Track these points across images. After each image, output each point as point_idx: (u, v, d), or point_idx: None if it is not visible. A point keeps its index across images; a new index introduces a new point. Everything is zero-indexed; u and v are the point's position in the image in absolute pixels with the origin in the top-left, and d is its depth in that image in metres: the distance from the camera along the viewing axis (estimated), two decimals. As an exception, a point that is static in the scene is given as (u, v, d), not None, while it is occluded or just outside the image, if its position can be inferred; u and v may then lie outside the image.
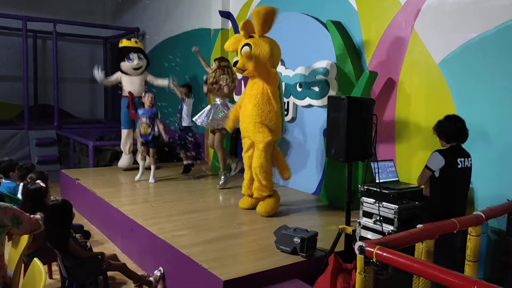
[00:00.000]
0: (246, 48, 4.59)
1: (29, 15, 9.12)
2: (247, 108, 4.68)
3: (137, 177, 6.25)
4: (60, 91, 9.48)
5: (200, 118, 5.95)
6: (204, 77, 6.30)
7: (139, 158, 6.48)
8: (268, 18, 4.53)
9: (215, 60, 6.00)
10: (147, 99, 6.13)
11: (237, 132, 6.15)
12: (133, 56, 7.07)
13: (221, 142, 5.97)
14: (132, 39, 7.55)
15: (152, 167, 6.18)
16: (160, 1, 9.37)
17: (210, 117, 5.82)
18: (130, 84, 7.06)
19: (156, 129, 6.06)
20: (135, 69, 7.06)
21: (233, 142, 6.84)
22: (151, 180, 6.14)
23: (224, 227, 4.32)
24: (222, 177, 5.96)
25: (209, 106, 6.03)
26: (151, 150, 6.16)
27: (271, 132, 4.63)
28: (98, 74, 6.85)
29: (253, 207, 4.91)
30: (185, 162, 6.68)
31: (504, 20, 3.77)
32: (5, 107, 10.21)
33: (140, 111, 6.16)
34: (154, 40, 9.63)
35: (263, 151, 4.62)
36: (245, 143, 4.85)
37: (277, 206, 4.80)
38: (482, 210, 2.93)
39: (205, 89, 6.18)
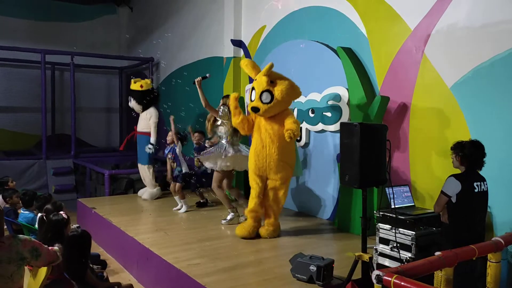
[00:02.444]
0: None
1: (47, 48, 9.45)
2: (269, 148, 4.68)
3: (175, 208, 6.26)
4: (77, 120, 9.69)
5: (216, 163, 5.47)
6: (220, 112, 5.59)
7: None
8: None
9: (224, 97, 5.65)
10: (168, 136, 6.28)
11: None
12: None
13: (220, 181, 5.55)
14: (133, 79, 7.49)
15: (182, 201, 6.19)
16: (174, 32, 9.61)
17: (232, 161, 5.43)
18: (140, 119, 7.25)
19: (182, 165, 6.16)
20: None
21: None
22: (182, 210, 6.16)
23: (239, 255, 4.31)
24: (231, 214, 5.52)
25: (220, 147, 5.48)
26: (177, 185, 6.17)
27: (292, 169, 4.88)
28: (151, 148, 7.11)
29: (250, 236, 4.83)
30: (202, 200, 6.57)
31: (515, 44, 3.80)
32: (23, 137, 10.46)
33: (165, 151, 6.38)
34: (168, 69, 9.85)
35: (283, 188, 4.81)
36: (256, 182, 4.78)
37: (277, 233, 4.96)
38: (501, 236, 2.88)
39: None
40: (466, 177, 3.34)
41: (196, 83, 5.55)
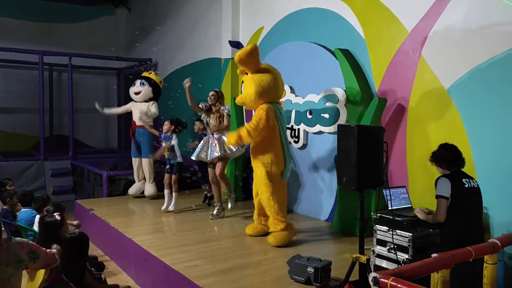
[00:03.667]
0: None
1: (45, 49, 9.44)
2: (251, 144, 4.83)
3: (163, 207, 6.24)
4: (75, 121, 9.68)
5: (207, 152, 5.66)
6: (201, 104, 5.88)
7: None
8: (250, 59, 4.55)
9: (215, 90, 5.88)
10: (165, 126, 6.24)
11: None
12: (137, 81, 7.28)
13: (224, 171, 5.77)
14: (150, 71, 7.76)
15: (174, 194, 6.18)
16: (172, 32, 9.62)
17: (222, 151, 5.56)
18: (136, 111, 7.20)
19: (177, 155, 6.11)
20: (135, 93, 7.22)
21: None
22: (171, 207, 6.15)
23: (238, 257, 4.31)
24: (217, 208, 5.77)
25: (210, 140, 5.73)
26: (172, 177, 6.15)
27: (269, 164, 4.65)
28: (100, 109, 7.25)
29: (259, 234, 4.91)
30: (209, 194, 6.60)
31: (511, 46, 3.81)
32: (21, 138, 10.44)
33: (162, 136, 6.30)
34: (167, 70, 9.85)
35: (264, 183, 4.65)
36: (254, 171, 4.93)
37: (290, 239, 4.72)
38: (497, 238, 2.90)
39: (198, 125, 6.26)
40: (454, 175, 3.36)
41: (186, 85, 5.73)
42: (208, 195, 6.64)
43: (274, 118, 4.65)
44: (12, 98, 10.29)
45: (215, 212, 5.78)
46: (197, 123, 6.56)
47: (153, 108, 7.11)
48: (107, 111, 7.40)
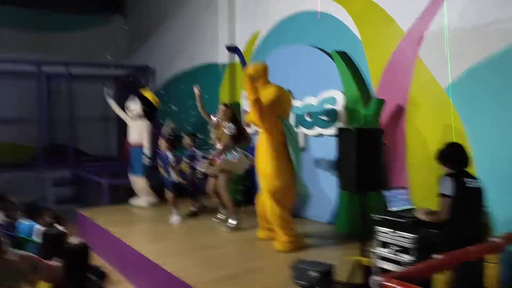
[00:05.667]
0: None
1: (43, 58, 9.45)
2: (261, 161, 4.77)
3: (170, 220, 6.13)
4: (74, 130, 9.66)
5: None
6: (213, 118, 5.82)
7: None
8: (260, 75, 4.68)
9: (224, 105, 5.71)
10: (162, 143, 6.14)
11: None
12: (133, 97, 7.27)
13: (226, 185, 5.58)
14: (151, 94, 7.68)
15: (174, 211, 6.05)
16: (169, 38, 9.63)
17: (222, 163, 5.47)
18: (130, 128, 7.25)
19: (172, 173, 6.05)
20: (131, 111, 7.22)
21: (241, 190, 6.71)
22: (174, 220, 6.02)
23: (241, 262, 4.31)
24: (233, 217, 5.54)
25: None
26: (168, 194, 6.10)
27: (276, 181, 4.63)
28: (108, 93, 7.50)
29: (270, 238, 4.88)
30: (192, 208, 6.39)
31: (507, 43, 3.82)
32: (21, 149, 10.41)
33: (160, 153, 6.27)
34: (164, 76, 9.86)
35: (269, 199, 4.64)
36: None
37: (296, 247, 4.63)
38: (498, 237, 2.89)
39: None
40: (456, 174, 3.35)
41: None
42: (194, 209, 6.39)
43: (281, 133, 4.68)
44: (10, 109, 10.26)
45: (234, 223, 5.50)
46: (185, 137, 6.29)
47: (146, 134, 7.13)
48: (111, 101, 7.49)
